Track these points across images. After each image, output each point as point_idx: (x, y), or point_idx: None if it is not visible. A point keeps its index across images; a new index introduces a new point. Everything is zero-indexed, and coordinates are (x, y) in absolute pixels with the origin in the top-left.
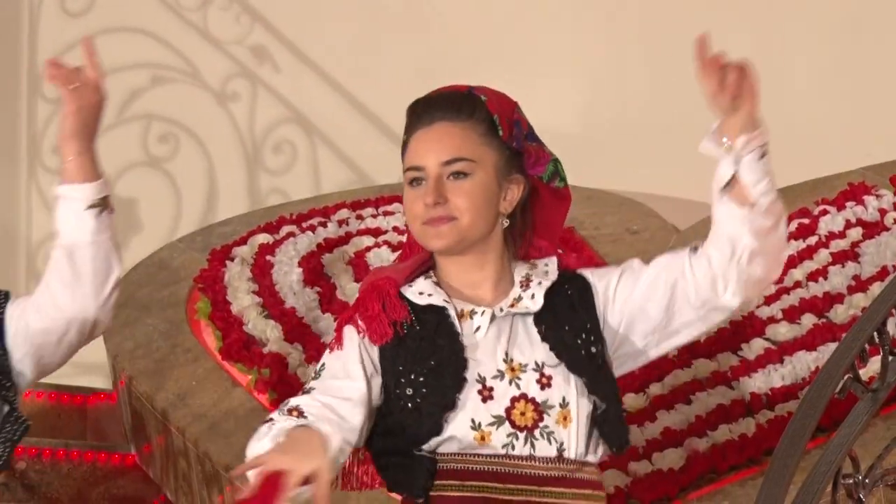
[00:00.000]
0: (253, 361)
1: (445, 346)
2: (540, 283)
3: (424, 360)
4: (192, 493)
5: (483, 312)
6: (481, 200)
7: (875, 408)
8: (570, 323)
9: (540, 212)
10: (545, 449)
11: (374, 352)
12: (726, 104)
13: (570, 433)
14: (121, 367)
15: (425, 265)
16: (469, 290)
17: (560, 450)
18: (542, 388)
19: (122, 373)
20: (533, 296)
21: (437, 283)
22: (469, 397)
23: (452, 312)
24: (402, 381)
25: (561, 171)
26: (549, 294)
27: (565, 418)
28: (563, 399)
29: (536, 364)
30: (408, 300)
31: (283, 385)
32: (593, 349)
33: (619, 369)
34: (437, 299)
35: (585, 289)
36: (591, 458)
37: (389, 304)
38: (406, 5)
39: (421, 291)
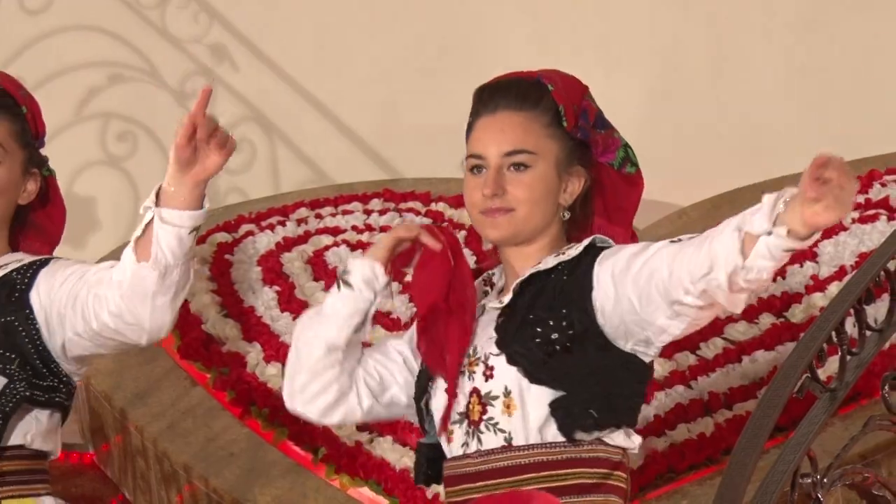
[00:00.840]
0: (212, 360)
1: None
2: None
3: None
4: (150, 492)
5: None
6: (540, 193)
7: (833, 407)
8: (536, 312)
9: (613, 198)
10: (491, 441)
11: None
12: (807, 197)
13: (515, 421)
14: None
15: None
16: (520, 275)
17: (507, 440)
18: (486, 379)
19: None
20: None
21: (486, 280)
22: (439, 394)
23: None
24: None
25: (632, 156)
26: (538, 282)
27: (508, 407)
28: (506, 388)
29: (484, 356)
30: None
31: (242, 384)
32: (554, 335)
33: (643, 355)
34: None
35: (586, 273)
36: (555, 438)
37: None
38: (365, 4)
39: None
